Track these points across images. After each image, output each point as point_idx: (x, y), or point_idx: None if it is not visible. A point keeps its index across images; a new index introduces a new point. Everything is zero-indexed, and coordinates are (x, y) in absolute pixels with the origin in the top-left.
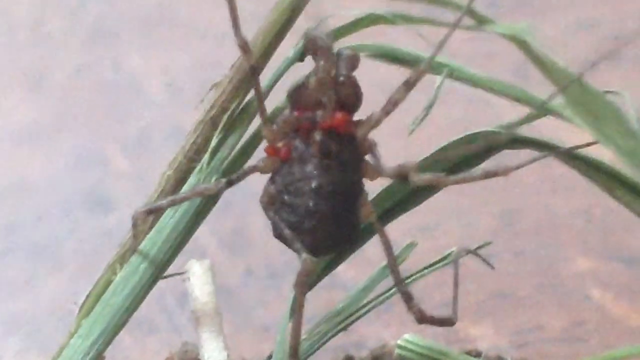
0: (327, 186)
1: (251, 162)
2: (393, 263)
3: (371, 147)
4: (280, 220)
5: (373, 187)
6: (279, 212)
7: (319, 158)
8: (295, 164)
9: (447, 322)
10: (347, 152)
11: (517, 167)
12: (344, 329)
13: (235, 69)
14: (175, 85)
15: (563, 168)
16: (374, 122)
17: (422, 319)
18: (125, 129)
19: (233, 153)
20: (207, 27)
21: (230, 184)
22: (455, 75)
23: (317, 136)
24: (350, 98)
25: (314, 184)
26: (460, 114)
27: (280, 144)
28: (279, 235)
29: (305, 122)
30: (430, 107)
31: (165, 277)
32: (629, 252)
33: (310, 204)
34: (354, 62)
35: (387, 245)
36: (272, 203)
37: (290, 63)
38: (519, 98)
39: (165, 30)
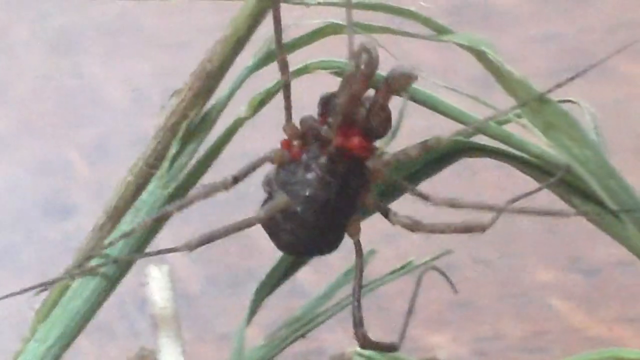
0: (320, 199)
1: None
2: (358, 287)
3: (379, 178)
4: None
5: None
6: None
7: (323, 172)
8: (300, 167)
9: (390, 348)
10: (352, 175)
11: (492, 223)
12: (304, 335)
13: (195, 76)
14: (136, 92)
15: (524, 177)
16: (385, 162)
17: (365, 344)
18: (86, 135)
19: (193, 160)
20: (168, 35)
21: (236, 180)
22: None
23: (329, 152)
24: (376, 124)
25: (307, 192)
26: (424, 125)
27: (296, 143)
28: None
29: (324, 133)
30: (399, 123)
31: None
32: (589, 262)
33: (298, 208)
34: (405, 82)
35: (360, 268)
36: (270, 189)
37: (250, 72)
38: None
39: (127, 39)
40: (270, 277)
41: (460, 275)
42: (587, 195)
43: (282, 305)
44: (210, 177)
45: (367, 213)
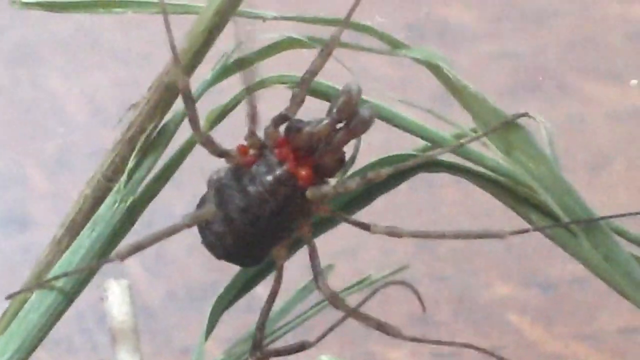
0: (253, 214)
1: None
2: (266, 310)
3: (320, 210)
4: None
5: None
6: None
7: (264, 189)
8: (247, 176)
9: (299, 347)
10: (292, 202)
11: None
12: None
13: (153, 90)
14: (95, 105)
15: (481, 192)
16: (323, 194)
17: None
18: (45, 148)
19: (151, 173)
20: (127, 49)
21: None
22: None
23: (277, 173)
24: (328, 164)
25: (243, 204)
26: (382, 140)
27: (251, 152)
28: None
29: (280, 153)
30: (357, 149)
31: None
32: (546, 277)
33: (229, 214)
34: (365, 128)
35: (273, 292)
36: (213, 184)
37: (208, 86)
38: (431, 138)
39: (86, 52)
40: (228, 292)
41: (418, 290)
42: (545, 211)
43: (241, 319)
44: (168, 191)
45: (300, 243)
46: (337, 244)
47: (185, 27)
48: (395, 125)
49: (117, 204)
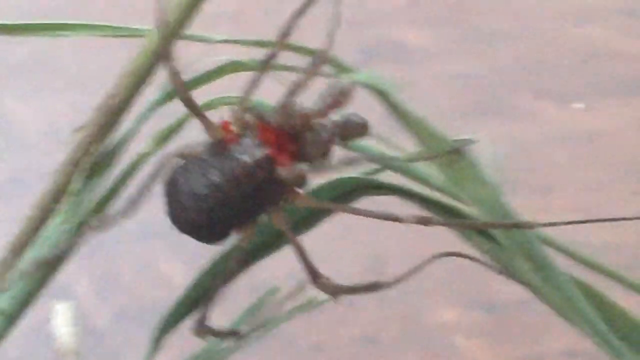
0: (224, 192)
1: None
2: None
3: (297, 198)
4: (175, 173)
5: None
6: (183, 167)
7: (241, 171)
8: (223, 152)
9: (232, 333)
10: (268, 186)
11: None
12: None
13: (99, 112)
14: (51, 129)
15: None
16: (297, 173)
17: (202, 332)
18: (0, 171)
19: (97, 195)
20: (83, 73)
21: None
22: None
23: (257, 156)
24: (312, 155)
25: (213, 178)
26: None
27: (235, 129)
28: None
29: (263, 134)
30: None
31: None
32: (490, 300)
33: (198, 187)
34: (360, 132)
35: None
36: (186, 155)
37: (154, 107)
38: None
39: (43, 76)
40: (174, 312)
41: (365, 312)
42: (487, 235)
43: (189, 340)
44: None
45: (283, 243)
46: (283, 267)
47: (133, 50)
48: (346, 147)
49: (62, 226)
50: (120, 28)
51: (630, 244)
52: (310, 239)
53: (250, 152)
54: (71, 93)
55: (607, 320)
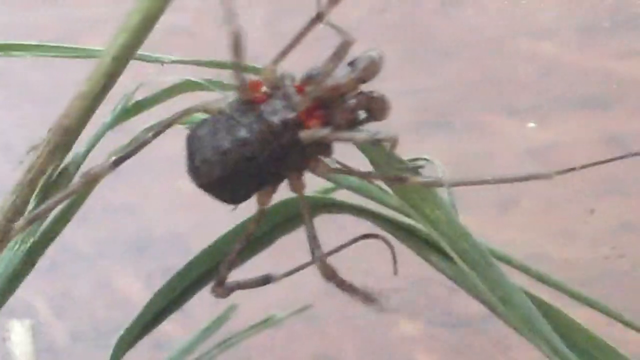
0: (248, 150)
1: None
2: (240, 245)
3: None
4: (200, 127)
5: None
6: (208, 121)
7: (269, 131)
8: (253, 113)
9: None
10: (293, 150)
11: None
12: None
13: (53, 132)
14: (3, 143)
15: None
16: (322, 138)
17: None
18: None
19: (52, 214)
20: (36, 88)
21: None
22: None
23: (287, 118)
24: (340, 121)
25: (240, 134)
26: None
27: (264, 89)
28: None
29: (295, 101)
30: None
31: None
32: (452, 316)
33: (226, 144)
34: (374, 69)
35: (253, 223)
36: (210, 110)
37: (108, 128)
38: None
39: None
40: (130, 331)
41: (324, 329)
42: (444, 252)
43: (147, 357)
44: (73, 230)
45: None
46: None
47: (85, 70)
48: None
49: (17, 245)
50: (73, 49)
51: (588, 259)
52: (269, 257)
53: (279, 112)
54: (22, 108)
55: (565, 336)
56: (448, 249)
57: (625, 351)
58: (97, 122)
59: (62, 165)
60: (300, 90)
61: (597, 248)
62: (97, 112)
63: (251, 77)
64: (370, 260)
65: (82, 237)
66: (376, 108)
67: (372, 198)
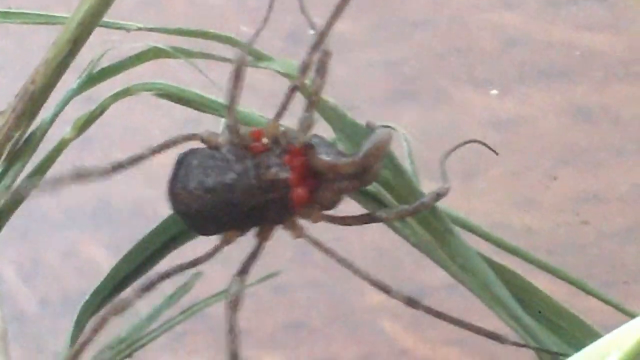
0: (232, 192)
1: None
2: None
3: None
4: (194, 154)
5: None
6: (202, 152)
7: (258, 183)
8: (246, 159)
9: None
10: (273, 208)
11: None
12: (129, 355)
13: (19, 98)
14: None
15: (351, 203)
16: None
17: None
18: None
19: (18, 181)
20: (2, 55)
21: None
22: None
23: (277, 175)
24: (325, 199)
25: (228, 178)
26: None
27: (264, 141)
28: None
29: (290, 159)
30: None
31: None
32: (418, 285)
33: (212, 180)
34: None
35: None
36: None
37: (74, 94)
38: None
39: None
40: (96, 295)
41: (292, 297)
42: (404, 221)
43: (108, 325)
44: (44, 198)
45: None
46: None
47: (52, 37)
48: None
49: None
50: (39, 15)
51: (550, 228)
52: None
53: (272, 169)
54: None
55: (527, 304)
56: (409, 218)
57: (587, 320)
58: (63, 88)
59: (28, 132)
60: (298, 153)
61: (559, 216)
62: (63, 79)
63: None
64: (336, 230)
65: (50, 206)
66: (368, 184)
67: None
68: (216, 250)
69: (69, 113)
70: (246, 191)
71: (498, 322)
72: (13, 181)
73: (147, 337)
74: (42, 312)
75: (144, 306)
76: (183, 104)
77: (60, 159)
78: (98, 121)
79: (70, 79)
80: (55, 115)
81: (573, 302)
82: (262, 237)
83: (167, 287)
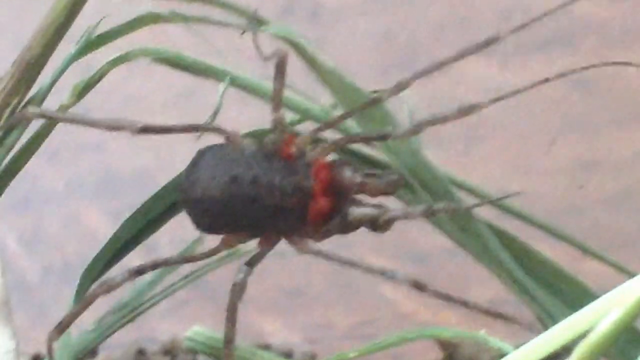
0: (251, 187)
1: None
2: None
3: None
4: (215, 150)
5: None
6: (224, 149)
7: (281, 184)
8: (275, 161)
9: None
10: (289, 215)
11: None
12: (131, 320)
13: (16, 65)
14: None
15: None
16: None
17: None
18: None
19: (16, 148)
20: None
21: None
22: (237, 83)
23: (301, 182)
24: (339, 214)
25: (252, 172)
26: (256, 114)
27: (294, 149)
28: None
29: (316, 171)
30: (216, 112)
31: None
32: (419, 250)
33: (228, 180)
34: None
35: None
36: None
37: (72, 60)
38: (291, 106)
39: None
40: (97, 262)
41: (291, 263)
42: (407, 185)
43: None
44: (45, 168)
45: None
46: None
47: (48, 4)
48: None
49: None
50: None
51: (549, 192)
52: None
53: (298, 175)
54: None
55: (527, 268)
56: (412, 181)
57: (586, 283)
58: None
59: (26, 99)
60: (325, 167)
61: (558, 181)
62: (62, 48)
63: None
64: None
65: (52, 175)
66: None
67: (337, 129)
68: (214, 252)
69: (69, 83)
70: (268, 190)
71: (499, 286)
72: (12, 147)
73: (149, 302)
74: (44, 279)
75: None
76: (181, 70)
77: (60, 127)
78: (98, 90)
79: (69, 49)
80: (54, 81)
81: (572, 267)
82: (265, 244)
83: (167, 253)
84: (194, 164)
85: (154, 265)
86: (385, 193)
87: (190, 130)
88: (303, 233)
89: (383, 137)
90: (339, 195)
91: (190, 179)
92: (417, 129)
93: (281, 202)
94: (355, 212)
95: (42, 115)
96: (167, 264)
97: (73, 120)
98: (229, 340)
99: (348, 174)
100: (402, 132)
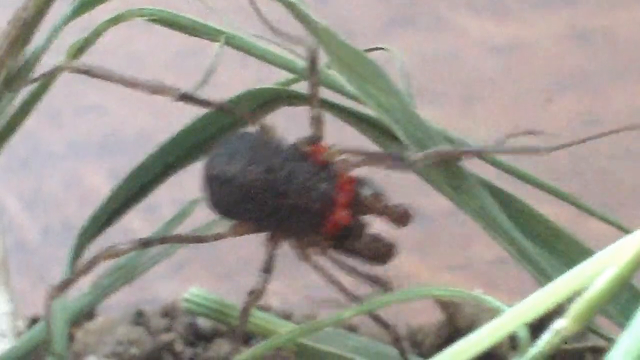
0: (274, 186)
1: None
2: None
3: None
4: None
5: None
6: (258, 138)
7: (302, 189)
8: (302, 165)
9: None
10: (308, 217)
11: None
12: (128, 282)
13: (11, 25)
14: None
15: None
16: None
17: None
18: None
19: (13, 108)
20: None
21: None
22: (232, 42)
23: (322, 186)
24: (356, 230)
25: (273, 172)
26: (253, 74)
27: (322, 157)
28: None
29: (341, 183)
30: (211, 71)
31: None
32: (420, 210)
33: (256, 171)
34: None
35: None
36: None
37: (67, 20)
38: (287, 66)
39: None
40: (93, 222)
41: None
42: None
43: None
44: (48, 131)
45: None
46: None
47: None
48: (266, 61)
49: None
50: None
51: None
52: None
53: (320, 182)
54: None
55: (527, 228)
56: (403, 137)
57: (585, 243)
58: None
59: (22, 58)
60: (350, 182)
61: (557, 139)
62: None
63: None
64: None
65: (53, 137)
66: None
67: (333, 88)
68: (219, 237)
69: (66, 45)
70: (299, 188)
71: (496, 250)
72: (7, 106)
73: (146, 263)
74: (43, 241)
75: (143, 232)
76: (178, 29)
77: (61, 89)
78: (97, 51)
79: (64, 10)
80: (49, 41)
81: (570, 227)
82: (273, 243)
83: (166, 213)
84: (227, 144)
85: (163, 240)
86: (398, 222)
87: (228, 111)
88: (313, 239)
89: (399, 159)
90: (357, 212)
91: (220, 160)
92: (429, 157)
93: (306, 204)
94: (367, 237)
95: (80, 70)
96: (175, 240)
97: (112, 78)
98: (238, 334)
99: (371, 195)
100: (415, 158)
